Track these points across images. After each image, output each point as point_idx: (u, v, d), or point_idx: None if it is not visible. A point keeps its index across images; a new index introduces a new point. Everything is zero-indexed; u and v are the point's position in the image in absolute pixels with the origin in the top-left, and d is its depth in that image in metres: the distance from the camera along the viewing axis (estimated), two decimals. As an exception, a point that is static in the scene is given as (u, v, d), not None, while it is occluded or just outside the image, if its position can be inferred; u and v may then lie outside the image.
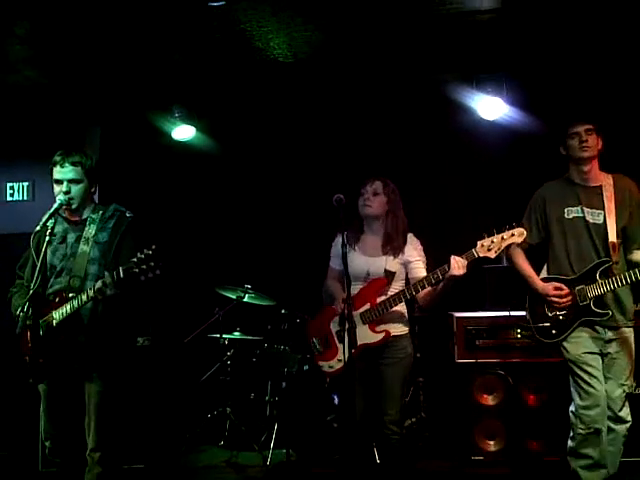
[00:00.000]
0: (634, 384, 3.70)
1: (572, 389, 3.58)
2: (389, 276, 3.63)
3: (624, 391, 3.54)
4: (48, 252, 3.27)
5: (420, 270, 3.63)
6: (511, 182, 5.31)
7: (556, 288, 3.56)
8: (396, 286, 3.66)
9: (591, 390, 3.47)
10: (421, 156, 5.78)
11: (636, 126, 5.15)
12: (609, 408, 3.51)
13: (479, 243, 3.37)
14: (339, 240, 3.79)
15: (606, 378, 3.53)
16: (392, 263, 3.65)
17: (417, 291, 3.51)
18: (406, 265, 3.67)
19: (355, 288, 3.61)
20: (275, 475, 4.74)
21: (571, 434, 3.56)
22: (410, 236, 3.73)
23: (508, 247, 3.42)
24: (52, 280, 3.33)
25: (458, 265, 3.34)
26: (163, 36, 4.39)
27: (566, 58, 4.80)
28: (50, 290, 3.30)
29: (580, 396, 3.51)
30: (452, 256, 3.37)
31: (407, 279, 3.69)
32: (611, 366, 3.54)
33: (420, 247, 3.72)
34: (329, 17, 4.18)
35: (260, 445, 4.98)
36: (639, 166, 4.82)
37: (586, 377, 3.49)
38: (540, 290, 3.61)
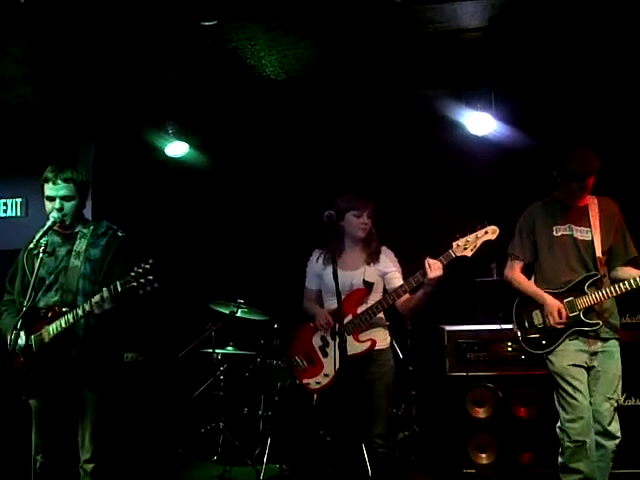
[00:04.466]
0: (621, 397, 3.67)
1: (557, 404, 3.59)
2: (368, 286, 3.71)
3: (612, 405, 3.54)
4: (36, 264, 3.26)
5: (397, 280, 3.72)
6: (501, 197, 5.36)
7: (560, 309, 3.57)
8: (375, 297, 3.74)
9: (575, 403, 3.49)
10: (411, 171, 5.83)
11: (624, 140, 5.22)
12: (598, 423, 3.52)
13: (454, 244, 3.48)
14: (314, 259, 3.87)
15: (593, 392, 3.55)
16: (369, 273, 3.74)
17: (399, 296, 3.59)
18: (383, 276, 3.76)
19: (335, 303, 3.65)
20: (268, 490, 4.75)
21: (560, 450, 3.57)
22: (384, 249, 3.83)
23: (483, 244, 3.49)
24: (41, 294, 3.32)
25: (433, 267, 3.43)
26: (156, 54, 4.43)
27: (554, 74, 4.86)
28: (41, 304, 3.30)
29: (565, 410, 3.53)
30: (426, 259, 3.46)
31: (385, 290, 3.77)
32: (597, 380, 3.56)
33: (395, 259, 3.83)
34: (320, 36, 4.24)
35: (253, 460, 4.98)
36: (627, 181, 4.93)
37: (570, 390, 3.51)
38: (548, 305, 3.59)
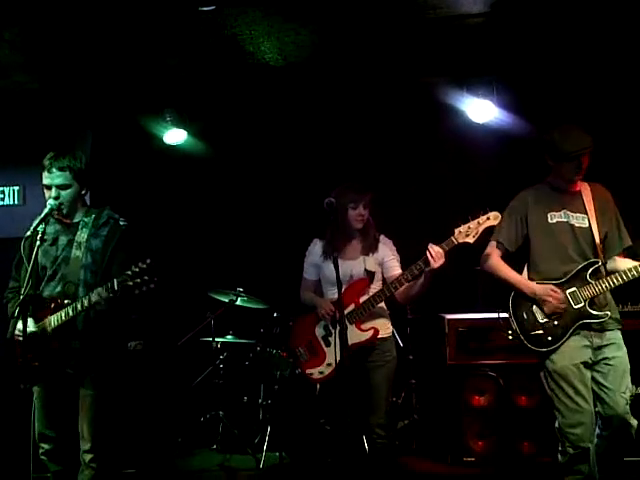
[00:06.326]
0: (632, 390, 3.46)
1: (555, 403, 3.35)
2: (370, 275, 3.71)
3: (627, 403, 3.29)
4: (39, 253, 3.27)
5: (395, 269, 3.72)
6: (501, 184, 5.31)
7: (553, 290, 3.39)
8: (376, 286, 3.73)
9: (575, 407, 3.28)
10: (412, 159, 5.80)
11: (624, 128, 5.19)
12: (619, 424, 3.26)
13: (456, 230, 3.45)
14: (313, 249, 3.85)
15: (604, 389, 3.32)
16: (370, 263, 3.73)
17: (401, 284, 3.56)
18: (382, 264, 3.75)
19: (337, 293, 3.62)
20: (268, 478, 4.74)
21: (560, 448, 3.37)
22: (382, 237, 3.83)
23: (484, 230, 3.46)
24: (44, 283, 3.32)
25: (436, 256, 3.39)
26: (154, 40, 4.39)
27: (555, 60, 4.82)
28: (45, 294, 3.31)
29: (563, 414, 3.32)
30: (429, 245, 3.42)
31: (383, 279, 3.77)
32: (607, 375, 3.33)
33: (393, 247, 3.82)
34: (320, 21, 4.20)
35: (253, 448, 4.98)
36: (625, 168, 4.91)
37: (571, 392, 3.30)
38: (538, 291, 3.40)
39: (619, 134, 5.09)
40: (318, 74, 5.03)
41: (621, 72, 4.88)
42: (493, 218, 3.45)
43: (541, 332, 3.41)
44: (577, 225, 3.47)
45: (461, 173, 5.70)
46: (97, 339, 3.29)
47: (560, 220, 3.49)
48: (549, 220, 3.50)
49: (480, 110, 5.17)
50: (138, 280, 3.03)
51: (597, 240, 3.43)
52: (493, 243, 3.58)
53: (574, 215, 3.48)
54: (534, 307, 3.46)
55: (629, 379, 3.37)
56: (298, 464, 4.85)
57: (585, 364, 3.35)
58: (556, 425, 3.39)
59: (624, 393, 3.32)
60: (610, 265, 3.46)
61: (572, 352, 3.35)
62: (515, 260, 3.61)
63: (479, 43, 4.57)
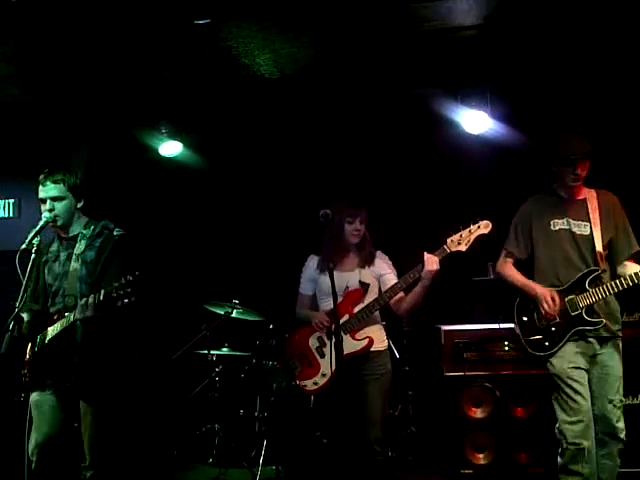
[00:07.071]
0: (624, 399, 3.57)
1: (555, 405, 3.51)
2: (364, 287, 3.72)
3: (614, 407, 3.46)
4: (45, 271, 3.37)
5: (393, 281, 3.72)
6: (496, 195, 5.34)
7: (552, 296, 3.50)
8: (371, 297, 3.72)
9: (575, 406, 3.43)
10: (406, 170, 5.81)
11: (620, 137, 5.21)
12: (605, 424, 3.45)
13: (448, 240, 3.52)
14: (309, 264, 3.86)
15: (595, 395, 3.49)
16: (365, 275, 3.74)
17: (395, 293, 3.60)
18: (379, 278, 3.77)
19: (331, 303, 3.62)
20: (264, 492, 4.72)
21: (559, 450, 3.49)
22: (379, 253, 3.85)
23: (477, 239, 3.51)
24: (51, 300, 3.37)
25: (431, 260, 3.47)
26: (149, 53, 4.41)
27: (549, 71, 4.85)
28: (52, 309, 3.35)
29: (564, 411, 3.45)
30: (425, 253, 3.50)
31: (380, 292, 3.76)
32: (598, 382, 3.50)
33: (389, 262, 3.84)
34: (314, 34, 4.22)
35: (249, 462, 4.94)
36: (624, 178, 4.92)
37: (570, 392, 3.44)
38: (538, 293, 3.54)
39: (615, 142, 5.10)
40: (313, 86, 5.05)
41: (615, 81, 4.90)
42: (484, 227, 3.53)
43: (540, 337, 3.57)
44: (578, 232, 3.58)
45: (456, 184, 5.71)
46: (97, 353, 3.29)
47: (562, 227, 3.61)
48: (552, 227, 3.63)
49: (474, 121, 5.18)
50: (121, 292, 3.05)
51: (598, 248, 3.52)
52: (503, 252, 3.76)
53: (576, 223, 3.59)
54: (535, 313, 3.60)
55: (620, 386, 3.51)
56: (294, 477, 4.81)
57: (581, 368, 3.49)
58: (556, 425, 3.50)
59: (613, 399, 3.47)
60: (620, 270, 3.57)
61: (569, 356, 3.50)
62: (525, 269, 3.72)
63: (473, 55, 4.60)
